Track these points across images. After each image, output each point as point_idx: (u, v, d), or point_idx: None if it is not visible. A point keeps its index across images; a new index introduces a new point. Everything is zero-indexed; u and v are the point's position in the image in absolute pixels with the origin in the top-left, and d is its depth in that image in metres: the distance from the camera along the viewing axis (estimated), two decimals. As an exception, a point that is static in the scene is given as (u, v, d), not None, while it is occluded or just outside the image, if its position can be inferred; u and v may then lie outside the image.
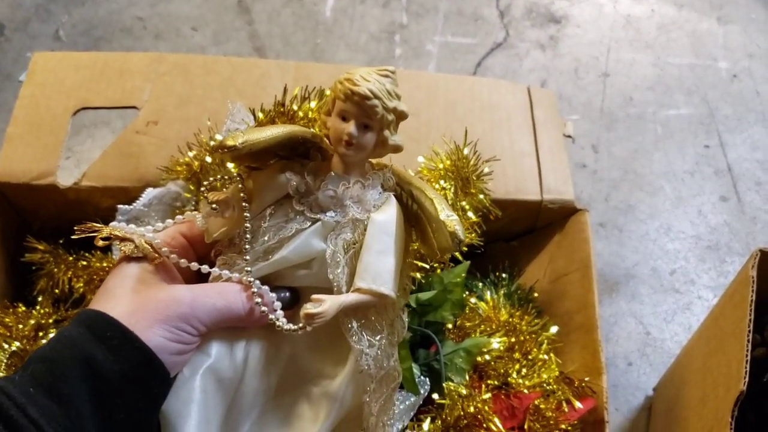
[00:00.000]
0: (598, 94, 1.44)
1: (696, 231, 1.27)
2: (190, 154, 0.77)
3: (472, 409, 0.68)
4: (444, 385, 0.70)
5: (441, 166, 0.74)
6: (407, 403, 0.67)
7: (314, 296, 0.49)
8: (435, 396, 0.71)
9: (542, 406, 0.74)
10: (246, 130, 0.51)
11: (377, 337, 0.52)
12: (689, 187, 1.33)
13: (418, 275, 0.69)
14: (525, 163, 0.92)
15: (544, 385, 0.76)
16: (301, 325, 0.51)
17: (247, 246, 0.53)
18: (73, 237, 0.53)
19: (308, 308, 0.49)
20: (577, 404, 0.75)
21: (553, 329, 0.83)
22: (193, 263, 0.53)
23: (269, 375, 0.55)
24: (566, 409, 0.74)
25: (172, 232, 0.56)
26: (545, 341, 0.81)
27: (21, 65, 1.33)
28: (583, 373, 0.79)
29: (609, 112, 1.42)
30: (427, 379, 0.69)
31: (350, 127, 0.50)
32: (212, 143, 0.52)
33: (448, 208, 0.53)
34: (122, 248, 0.52)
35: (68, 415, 0.43)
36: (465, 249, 0.73)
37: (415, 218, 0.55)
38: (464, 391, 0.70)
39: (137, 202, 0.78)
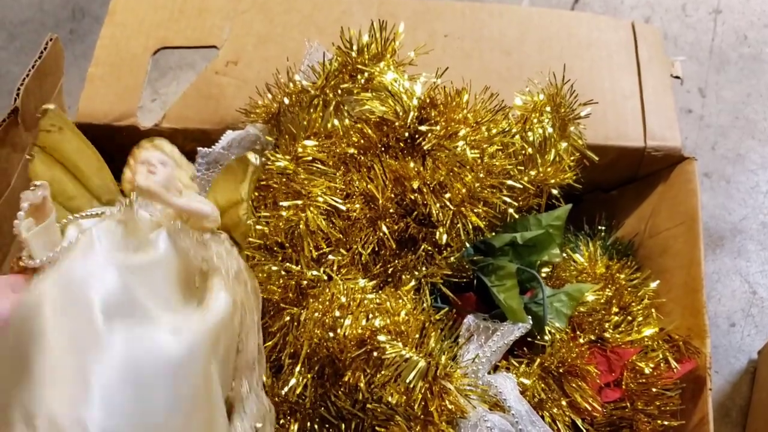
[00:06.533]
0: (708, 32, 1.32)
1: (814, 184, 1.17)
2: (269, 96, 0.75)
3: (571, 356, 0.66)
4: (546, 328, 0.68)
5: (536, 99, 0.70)
6: (507, 338, 0.65)
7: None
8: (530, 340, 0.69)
9: (640, 363, 0.70)
10: None
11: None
12: (809, 135, 1.21)
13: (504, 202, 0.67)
14: (627, 106, 0.85)
15: (643, 341, 0.72)
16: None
17: None
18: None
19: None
20: (675, 365, 0.71)
21: (654, 284, 0.78)
22: None
23: None
24: (663, 369, 0.70)
25: None
26: (646, 296, 0.77)
27: (110, 7, 1.32)
28: (684, 335, 0.74)
29: (719, 52, 1.30)
30: (530, 317, 0.66)
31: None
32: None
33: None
34: None
35: None
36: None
37: None
38: (565, 336, 0.67)
39: (216, 145, 0.76)
